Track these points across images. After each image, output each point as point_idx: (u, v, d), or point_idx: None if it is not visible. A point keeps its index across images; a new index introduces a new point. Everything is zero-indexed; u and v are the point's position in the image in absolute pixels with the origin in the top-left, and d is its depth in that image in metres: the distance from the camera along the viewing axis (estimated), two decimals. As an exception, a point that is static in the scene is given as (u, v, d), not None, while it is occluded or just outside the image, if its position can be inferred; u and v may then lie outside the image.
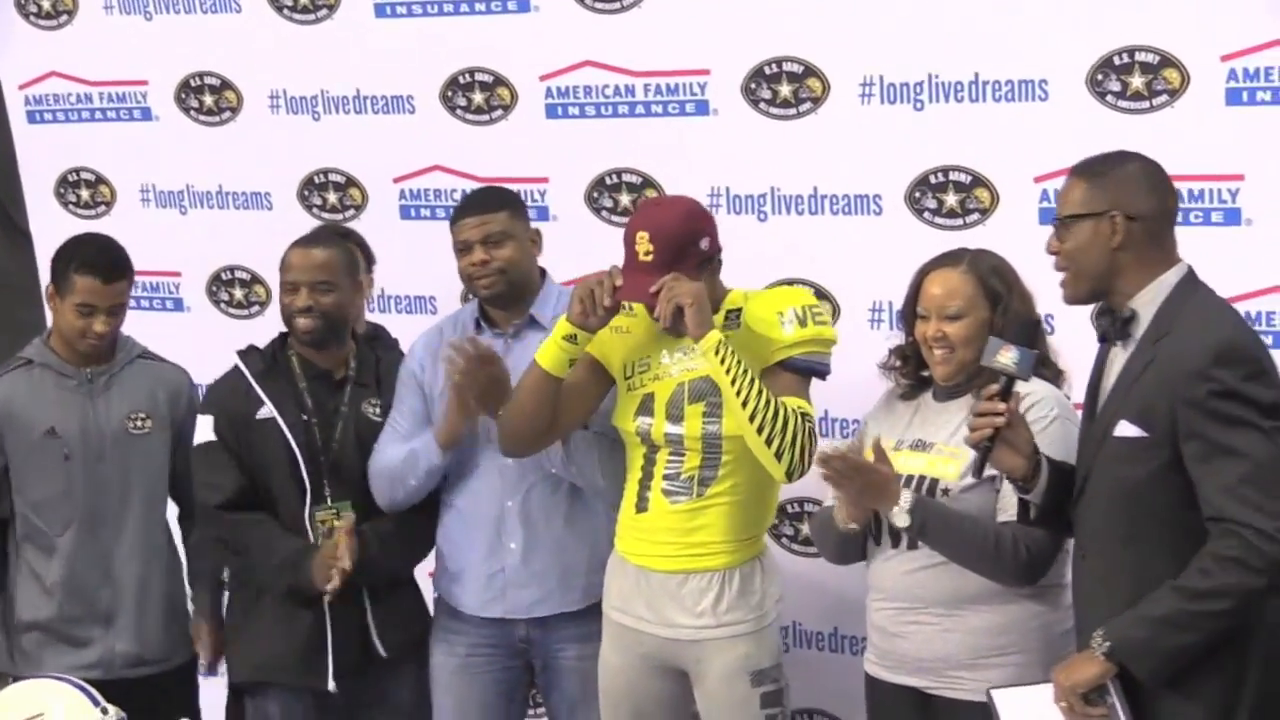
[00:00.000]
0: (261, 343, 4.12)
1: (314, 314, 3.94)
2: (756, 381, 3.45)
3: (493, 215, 3.84)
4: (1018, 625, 3.42)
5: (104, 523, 4.11)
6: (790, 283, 4.24)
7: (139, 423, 4.15)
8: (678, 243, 3.52)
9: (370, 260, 4.45)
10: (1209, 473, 2.99)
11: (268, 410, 3.96)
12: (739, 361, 3.44)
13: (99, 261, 4.09)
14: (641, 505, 3.66)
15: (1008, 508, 3.36)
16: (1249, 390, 2.98)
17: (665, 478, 3.63)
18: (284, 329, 4.06)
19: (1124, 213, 3.10)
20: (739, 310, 3.60)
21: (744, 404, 3.43)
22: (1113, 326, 3.16)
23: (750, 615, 3.61)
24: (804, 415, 3.49)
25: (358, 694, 4.00)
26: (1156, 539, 3.07)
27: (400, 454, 3.91)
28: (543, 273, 3.98)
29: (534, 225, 4.00)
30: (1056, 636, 3.39)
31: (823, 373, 3.61)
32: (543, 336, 3.77)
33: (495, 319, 3.93)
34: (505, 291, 3.86)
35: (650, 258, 3.50)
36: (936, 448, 3.47)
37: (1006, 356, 3.14)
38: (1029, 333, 3.23)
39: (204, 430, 4.00)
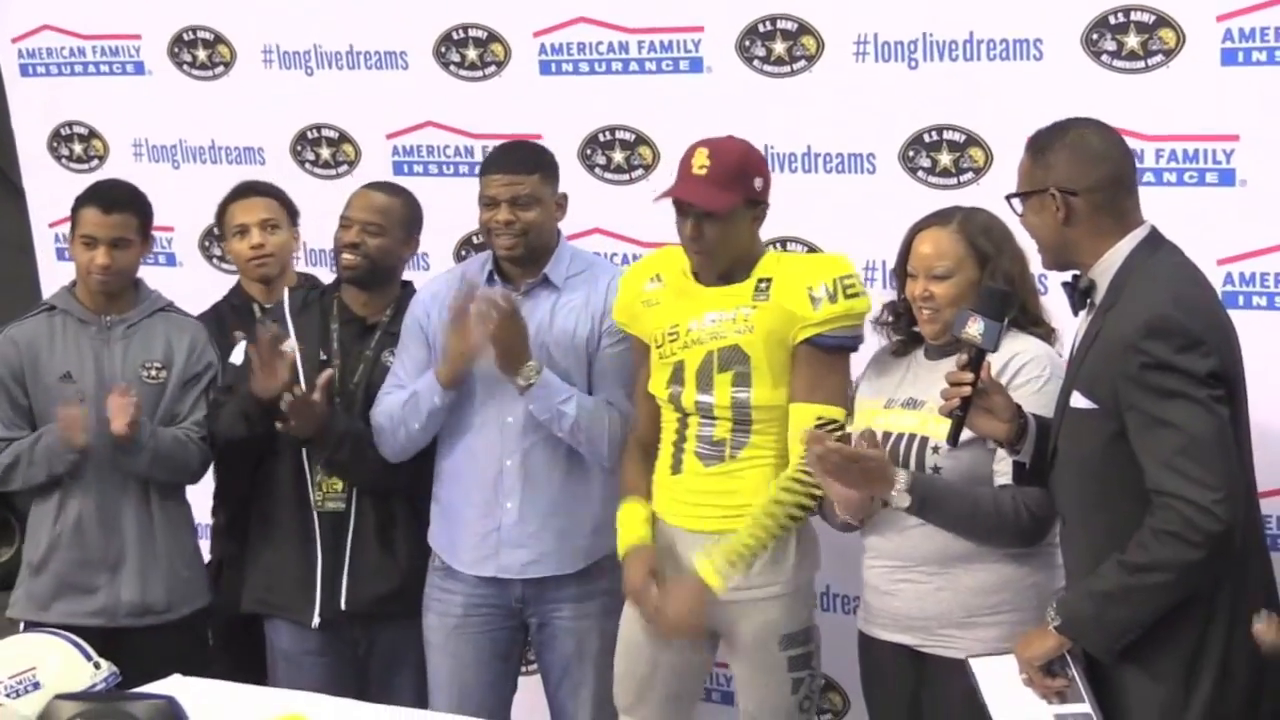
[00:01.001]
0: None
1: (359, 252, 4.06)
2: (757, 535, 3.57)
3: (525, 178, 3.89)
4: (1010, 584, 3.45)
5: (112, 472, 4.17)
6: (784, 243, 4.28)
7: (154, 372, 4.22)
8: (736, 165, 3.58)
9: (294, 214, 4.57)
10: (1146, 446, 3.00)
11: (291, 343, 4.08)
12: (747, 554, 3.57)
13: (99, 193, 4.21)
14: (676, 468, 3.72)
15: (1003, 472, 3.40)
16: (1181, 362, 2.99)
17: (699, 440, 3.68)
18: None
19: (1061, 188, 3.12)
20: (769, 280, 3.63)
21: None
22: (1073, 296, 3.20)
23: (781, 577, 3.66)
24: (801, 485, 3.55)
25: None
26: (1110, 510, 3.11)
27: (401, 398, 3.97)
28: (557, 233, 4.04)
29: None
30: (1050, 595, 3.39)
31: (853, 347, 3.66)
32: (554, 297, 3.89)
33: (509, 274, 3.97)
34: (524, 254, 3.92)
35: (704, 171, 3.56)
36: (928, 406, 3.49)
37: (973, 328, 3.19)
38: (998, 302, 3.25)
39: (238, 353, 4.17)
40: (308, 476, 4.13)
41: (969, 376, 3.20)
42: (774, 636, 3.69)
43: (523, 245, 3.90)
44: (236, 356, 4.18)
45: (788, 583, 3.68)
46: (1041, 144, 3.18)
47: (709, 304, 3.66)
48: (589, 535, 3.98)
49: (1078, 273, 3.22)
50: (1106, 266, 3.13)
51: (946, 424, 3.39)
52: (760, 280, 3.63)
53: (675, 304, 3.71)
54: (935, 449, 3.46)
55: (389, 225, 4.09)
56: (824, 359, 3.62)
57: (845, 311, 3.60)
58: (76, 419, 4.06)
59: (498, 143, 4.21)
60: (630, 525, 3.76)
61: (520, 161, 3.94)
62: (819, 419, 3.58)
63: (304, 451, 4.11)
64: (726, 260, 3.64)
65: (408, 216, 4.15)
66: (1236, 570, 3.10)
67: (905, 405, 3.56)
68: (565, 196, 4.01)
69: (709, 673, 3.98)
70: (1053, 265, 3.24)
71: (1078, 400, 3.12)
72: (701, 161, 3.57)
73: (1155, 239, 3.17)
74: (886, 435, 3.53)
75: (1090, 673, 3.20)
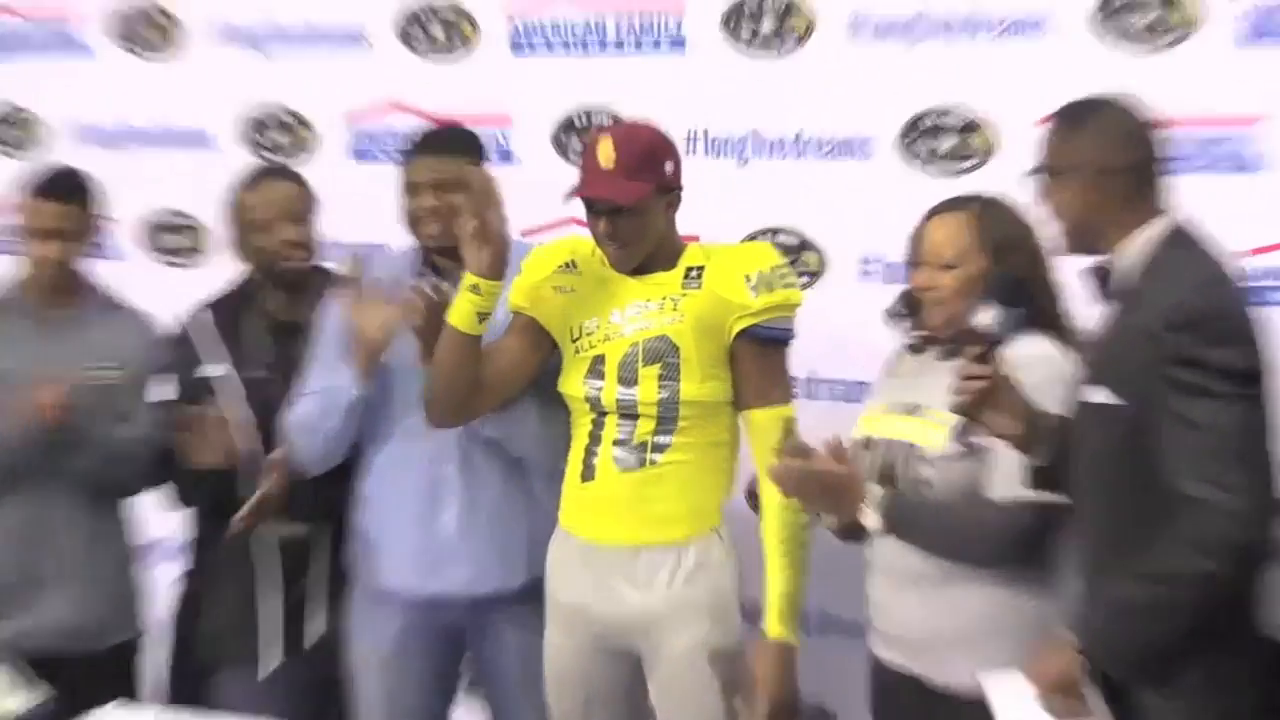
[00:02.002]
0: (208, 293, 4.15)
1: (299, 248, 4.03)
2: (792, 571, 3.54)
3: (449, 160, 3.81)
4: (1012, 608, 3.39)
5: (47, 480, 4.09)
6: (774, 233, 4.25)
7: (100, 371, 4.14)
8: (643, 153, 3.52)
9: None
10: (1170, 446, 2.94)
11: (225, 366, 4.01)
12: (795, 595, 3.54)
13: (45, 181, 4.13)
14: (588, 474, 3.63)
15: (996, 484, 3.34)
16: (1208, 356, 2.91)
17: (615, 444, 3.60)
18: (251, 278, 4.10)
19: (1099, 167, 3.08)
20: (700, 268, 3.58)
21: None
22: (1096, 283, 3.15)
23: (709, 591, 3.58)
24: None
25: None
26: (1128, 513, 3.04)
27: (316, 400, 3.85)
28: None
29: (497, 167, 3.99)
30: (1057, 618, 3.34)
31: (789, 339, 3.61)
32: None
33: (440, 267, 3.88)
34: (451, 244, 3.79)
35: (611, 164, 3.50)
36: (926, 411, 3.45)
37: (987, 316, 3.14)
38: (1011, 289, 3.19)
39: (169, 388, 4.09)
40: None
41: (983, 369, 3.13)
42: (702, 654, 3.60)
43: (450, 234, 3.78)
44: (168, 390, 4.08)
45: (716, 594, 3.61)
46: (1075, 118, 3.13)
47: (632, 294, 3.60)
48: (533, 544, 3.86)
49: (1096, 261, 3.16)
50: (1132, 253, 3.08)
51: (941, 431, 3.36)
52: (690, 268, 3.59)
53: (594, 295, 3.64)
54: (925, 459, 3.41)
55: (306, 212, 4.05)
56: (770, 355, 3.57)
57: (783, 301, 3.55)
58: (17, 406, 3.96)
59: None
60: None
61: (445, 143, 3.88)
62: (785, 420, 3.54)
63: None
64: (645, 252, 3.59)
65: (312, 196, 4.11)
66: (1262, 583, 3.02)
67: (906, 410, 3.51)
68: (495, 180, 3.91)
69: (645, 692, 3.83)
70: (1073, 249, 3.17)
71: (1094, 394, 3.06)
72: (607, 153, 3.51)
73: (1183, 231, 3.13)
74: (878, 441, 3.49)
75: (1107, 693, 3.09)
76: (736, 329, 3.54)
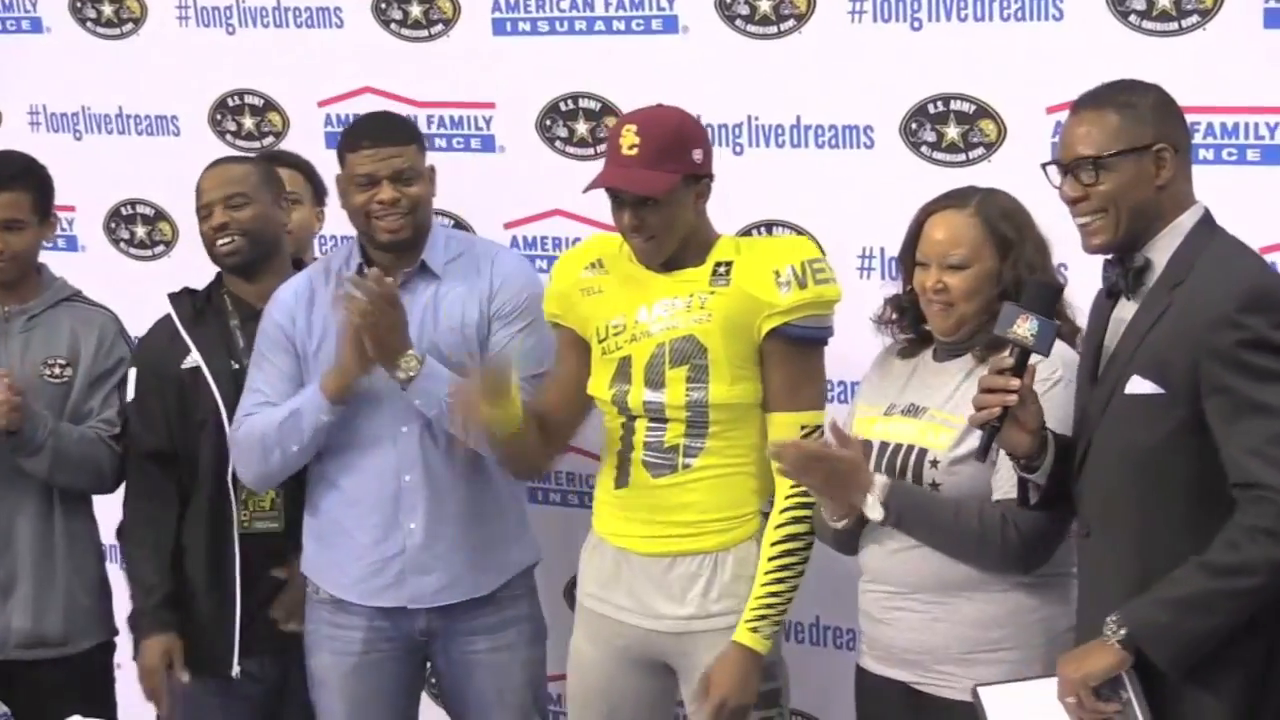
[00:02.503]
0: (175, 288, 4.13)
1: (231, 232, 3.96)
2: (780, 580, 3.56)
3: (403, 148, 3.80)
4: (1015, 618, 3.38)
5: (9, 480, 4.06)
6: (769, 226, 4.21)
7: (57, 369, 4.12)
8: (670, 139, 3.50)
9: (321, 192, 4.43)
10: (1236, 433, 2.94)
11: (194, 358, 3.97)
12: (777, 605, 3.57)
13: None
14: (621, 480, 3.65)
15: (1003, 486, 3.32)
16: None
17: (646, 448, 3.60)
18: (217, 270, 4.07)
19: (1170, 145, 3.08)
20: (729, 264, 3.56)
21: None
22: (1125, 277, 3.12)
23: (745, 604, 3.58)
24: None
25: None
26: (1171, 510, 3.04)
27: (276, 417, 3.80)
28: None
29: (478, 157, 3.97)
30: (1059, 633, 3.35)
31: (824, 339, 3.60)
32: (434, 286, 3.82)
33: (382, 264, 3.83)
34: (410, 237, 3.82)
35: (635, 151, 3.48)
36: (929, 413, 3.44)
37: (1024, 327, 3.09)
38: (1049, 298, 3.17)
39: (130, 386, 4.05)
40: (230, 492, 3.96)
41: (1014, 382, 3.09)
42: None
43: (410, 225, 3.81)
44: (130, 388, 4.05)
45: None
46: (1125, 99, 3.11)
47: (660, 291, 3.59)
48: (501, 550, 3.90)
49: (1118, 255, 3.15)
50: (1168, 243, 3.09)
51: (948, 434, 3.36)
52: (718, 264, 3.57)
53: (621, 293, 3.63)
54: (934, 462, 3.39)
55: (252, 192, 3.99)
56: (799, 355, 3.56)
57: (815, 298, 3.54)
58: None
59: (444, 113, 4.20)
60: None
61: (394, 131, 3.87)
62: (803, 427, 3.54)
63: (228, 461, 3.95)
64: (674, 245, 3.57)
65: (268, 177, 4.06)
66: None
67: (906, 412, 3.49)
68: (433, 169, 3.91)
69: (674, 705, 3.88)
70: (1123, 242, 3.12)
71: (1137, 386, 3.04)
72: (630, 140, 3.51)
73: (1212, 219, 3.14)
74: (883, 446, 3.46)
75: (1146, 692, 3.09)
76: (766, 328, 3.54)
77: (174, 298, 4.08)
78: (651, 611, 3.61)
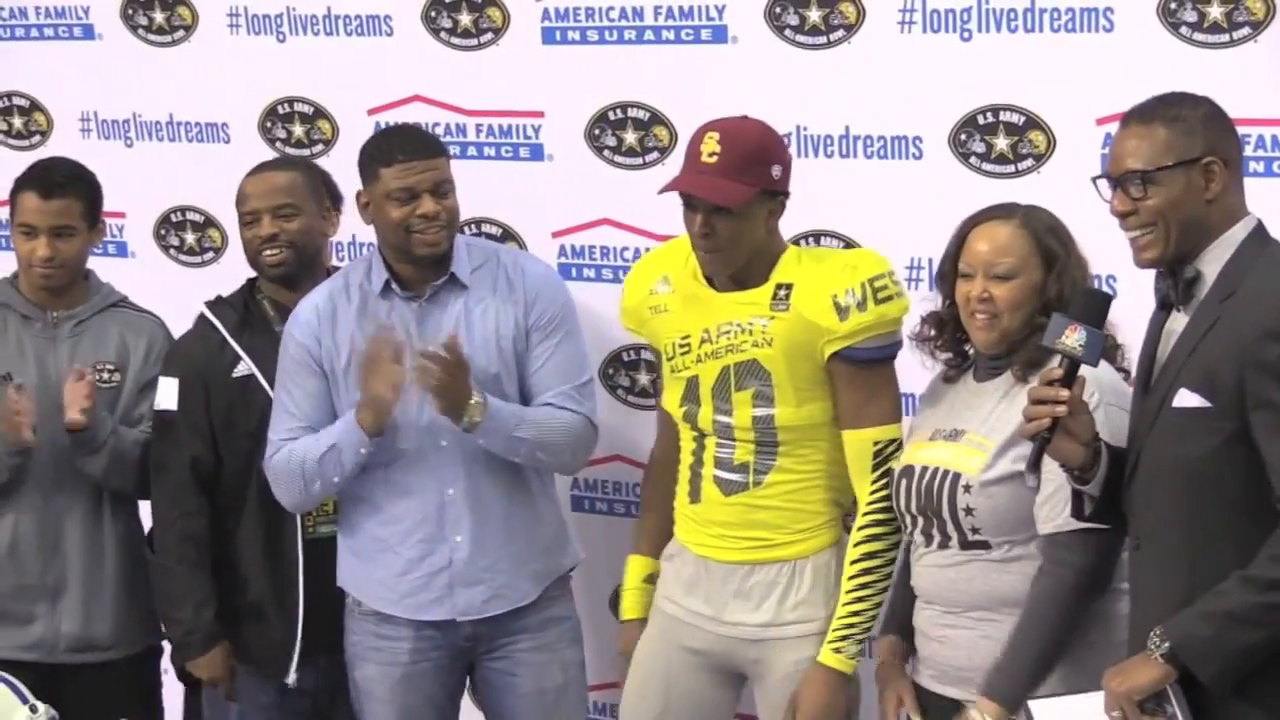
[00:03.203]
0: (225, 293, 4.15)
1: (279, 243, 3.98)
2: (862, 599, 3.59)
3: (437, 160, 3.82)
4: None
5: (58, 483, 4.08)
6: (818, 236, 4.20)
7: (107, 375, 4.14)
8: (751, 151, 3.51)
9: (337, 199, 4.38)
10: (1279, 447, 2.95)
11: (246, 366, 3.98)
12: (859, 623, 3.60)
13: (37, 175, 4.13)
14: (695, 495, 3.68)
15: (1050, 518, 3.32)
16: None
17: (718, 465, 3.63)
18: (250, 276, 4.08)
19: (1221, 158, 3.08)
20: (789, 287, 3.56)
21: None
22: (1175, 289, 3.12)
23: (824, 613, 3.61)
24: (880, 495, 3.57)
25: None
26: (1219, 524, 3.04)
27: (316, 450, 3.80)
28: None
29: (527, 165, 3.98)
30: (1112, 645, 3.34)
31: (891, 355, 3.61)
32: (463, 297, 3.81)
33: (408, 280, 3.85)
34: (448, 250, 3.84)
35: (714, 159, 3.49)
36: (967, 436, 3.45)
37: (1072, 338, 3.09)
38: (1098, 309, 3.16)
39: (166, 396, 4.03)
40: None
41: (1064, 393, 3.09)
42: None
43: (447, 239, 3.82)
44: (166, 398, 4.04)
45: (829, 618, 3.62)
46: (1175, 113, 3.12)
47: (722, 312, 3.60)
48: (542, 557, 3.91)
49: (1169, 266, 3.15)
50: (1218, 254, 3.08)
51: (981, 457, 3.38)
52: (779, 286, 3.58)
53: (685, 311, 3.65)
54: (967, 487, 3.40)
55: (301, 202, 4.01)
56: (865, 374, 3.57)
57: (878, 319, 3.55)
58: (20, 412, 3.93)
59: (493, 121, 4.18)
60: (629, 586, 3.84)
61: (428, 144, 3.89)
62: (876, 443, 3.56)
63: None
64: (741, 259, 3.58)
65: (314, 185, 4.08)
66: None
67: (948, 437, 3.50)
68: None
69: (732, 716, 3.90)
70: (1174, 256, 3.12)
71: (1185, 399, 3.04)
72: (711, 148, 3.51)
73: (1264, 231, 3.14)
74: (923, 470, 3.48)
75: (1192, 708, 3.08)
76: (828, 352, 3.55)
77: (214, 307, 4.10)
78: (729, 619, 3.63)
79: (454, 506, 3.84)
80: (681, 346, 3.63)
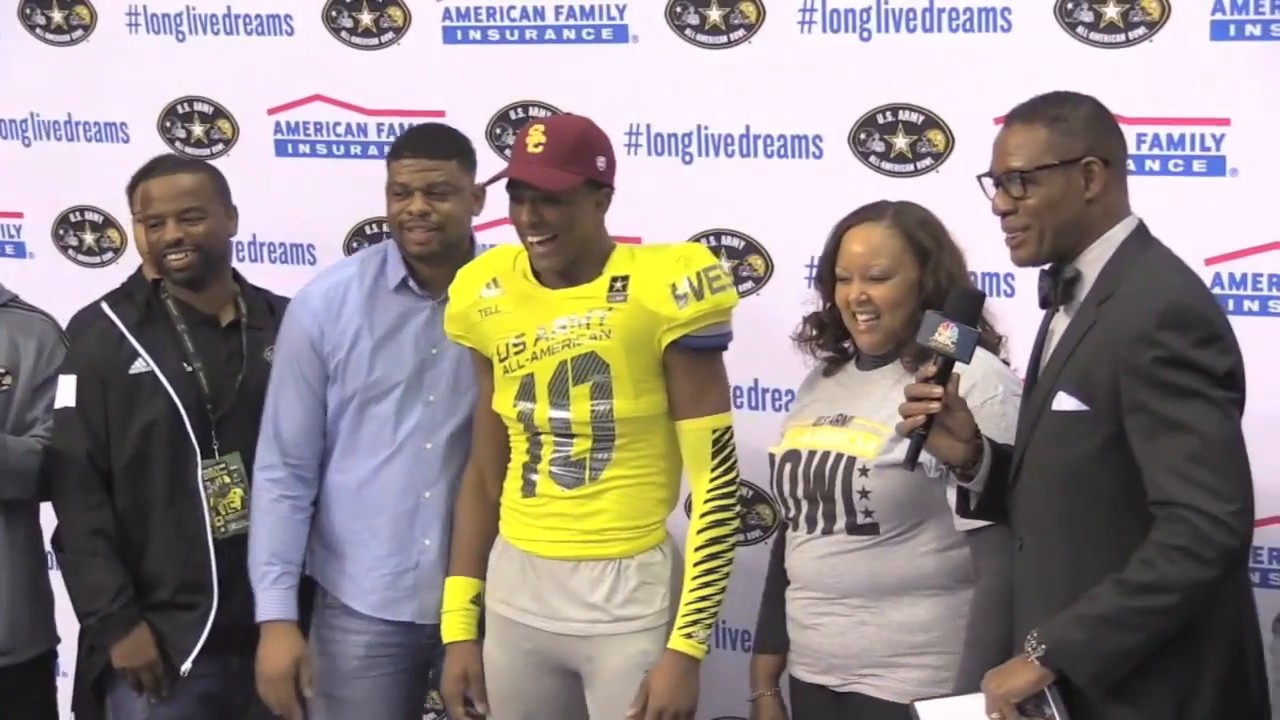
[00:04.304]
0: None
1: (185, 247, 3.94)
2: (709, 584, 3.58)
3: (442, 163, 3.83)
4: (941, 623, 3.42)
5: None
6: (718, 235, 4.22)
7: None
8: (575, 142, 3.53)
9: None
10: (1154, 451, 2.94)
11: (143, 363, 3.96)
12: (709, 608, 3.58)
13: None
14: (528, 490, 3.67)
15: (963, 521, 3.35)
16: (1199, 357, 2.93)
17: (553, 462, 3.63)
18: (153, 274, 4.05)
19: (1101, 157, 3.08)
20: (625, 278, 3.56)
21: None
22: (1054, 289, 3.13)
23: (650, 609, 3.61)
24: (725, 482, 3.59)
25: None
26: (1097, 527, 3.05)
27: (255, 550, 3.91)
28: (470, 236, 3.97)
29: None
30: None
31: (724, 344, 3.62)
32: None
33: (423, 277, 3.88)
34: (439, 251, 3.83)
35: (540, 150, 3.50)
36: (856, 422, 3.48)
37: (945, 335, 3.11)
38: (970, 307, 3.18)
39: (65, 393, 4.00)
40: (201, 493, 3.96)
41: (937, 390, 3.11)
42: (641, 674, 3.61)
43: (438, 240, 3.83)
44: (65, 395, 4.00)
45: (659, 614, 3.63)
46: (1056, 112, 3.12)
47: (558, 308, 3.59)
48: None
49: (1052, 266, 3.16)
50: (1098, 255, 3.08)
51: (876, 441, 3.40)
52: (615, 278, 3.57)
53: (518, 311, 3.63)
54: (863, 470, 3.42)
55: (207, 205, 3.99)
56: (701, 363, 3.58)
57: (713, 308, 3.55)
58: None
59: (393, 120, 4.15)
60: (452, 608, 3.76)
61: (436, 145, 3.88)
62: (714, 430, 3.58)
63: (197, 458, 3.96)
64: (572, 251, 3.57)
65: (221, 186, 4.06)
66: (1239, 596, 3.05)
67: (834, 422, 3.52)
68: (483, 189, 3.92)
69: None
70: (1049, 255, 3.13)
71: (1062, 402, 3.05)
72: (536, 139, 3.52)
73: (1145, 232, 3.14)
74: (811, 454, 3.50)
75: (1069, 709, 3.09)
76: (666, 341, 3.55)
77: (113, 304, 4.07)
78: (556, 614, 3.63)
79: (427, 509, 3.87)
80: (515, 346, 3.62)
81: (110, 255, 4.98)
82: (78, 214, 5.00)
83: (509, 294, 3.64)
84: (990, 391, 3.36)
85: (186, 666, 3.96)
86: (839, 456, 3.45)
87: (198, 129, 4.84)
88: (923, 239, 3.45)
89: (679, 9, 4.23)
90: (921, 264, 3.44)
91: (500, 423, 3.70)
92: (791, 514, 3.54)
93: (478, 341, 3.69)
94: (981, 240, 3.44)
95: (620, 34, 4.32)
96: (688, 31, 4.24)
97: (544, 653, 3.66)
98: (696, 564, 3.58)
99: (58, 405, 4.00)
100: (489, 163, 4.35)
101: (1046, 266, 3.16)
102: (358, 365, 3.86)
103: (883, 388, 3.46)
